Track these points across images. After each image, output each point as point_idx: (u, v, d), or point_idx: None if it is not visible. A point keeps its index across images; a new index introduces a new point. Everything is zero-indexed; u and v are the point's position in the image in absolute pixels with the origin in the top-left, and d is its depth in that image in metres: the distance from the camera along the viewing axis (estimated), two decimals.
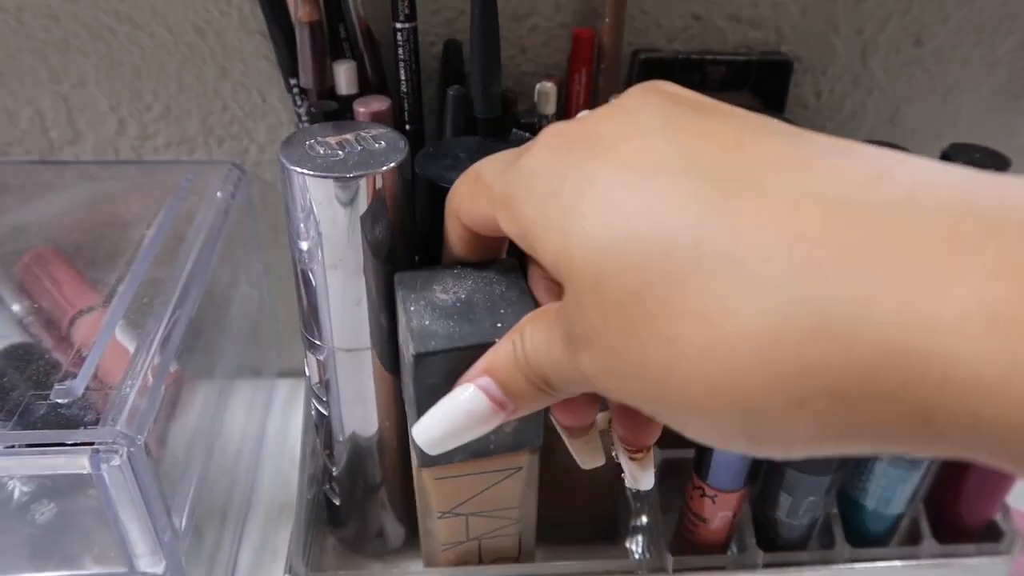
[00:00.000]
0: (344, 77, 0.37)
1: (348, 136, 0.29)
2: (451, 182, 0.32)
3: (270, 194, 0.44)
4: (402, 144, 0.29)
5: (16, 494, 0.31)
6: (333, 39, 0.37)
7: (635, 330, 0.16)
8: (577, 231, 0.17)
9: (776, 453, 0.16)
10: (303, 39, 0.36)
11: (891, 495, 0.35)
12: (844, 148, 0.16)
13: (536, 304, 0.25)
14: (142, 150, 0.42)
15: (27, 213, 0.42)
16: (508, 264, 0.27)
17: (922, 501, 0.37)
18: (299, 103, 0.39)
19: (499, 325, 0.24)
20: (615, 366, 0.17)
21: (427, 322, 0.25)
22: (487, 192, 0.22)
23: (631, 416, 0.23)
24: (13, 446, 0.28)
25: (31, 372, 0.30)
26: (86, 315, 0.38)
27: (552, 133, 0.19)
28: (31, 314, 0.39)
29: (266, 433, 0.47)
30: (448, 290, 0.26)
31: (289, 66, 0.38)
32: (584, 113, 0.20)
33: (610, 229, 0.16)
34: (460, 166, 0.33)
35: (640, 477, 0.24)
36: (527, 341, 0.20)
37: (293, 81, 0.38)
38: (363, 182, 0.28)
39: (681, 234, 0.15)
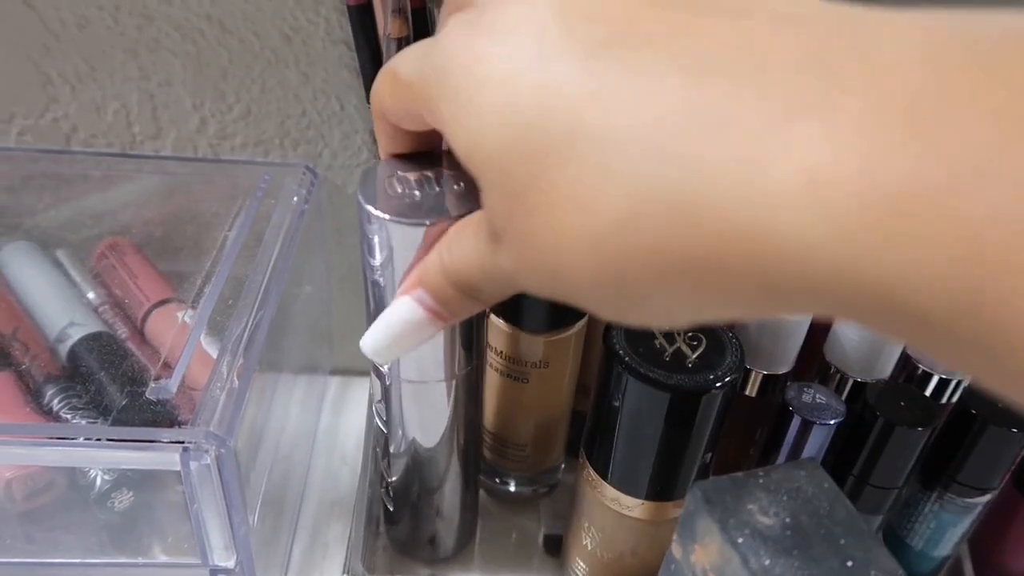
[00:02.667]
0: None
1: (430, 173, 0.27)
2: None
3: (338, 197, 0.45)
4: None
5: (98, 482, 0.32)
6: None
7: (532, 219, 0.16)
8: (480, 128, 0.17)
9: (662, 324, 0.17)
10: (390, 54, 0.36)
11: (940, 538, 0.35)
12: (744, 10, 0.15)
13: (861, 517, 0.25)
14: (220, 149, 0.43)
15: (105, 203, 0.43)
16: (810, 466, 0.26)
17: (967, 542, 0.37)
18: None
19: (849, 564, 0.23)
20: (523, 257, 0.17)
21: (767, 562, 0.23)
22: (408, 90, 0.21)
23: None
24: (102, 439, 0.29)
25: (126, 368, 0.31)
26: (161, 308, 0.39)
27: (459, 24, 0.19)
28: (105, 302, 0.40)
29: (318, 429, 0.48)
30: (767, 510, 0.25)
31: (371, 77, 0.39)
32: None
33: (506, 125, 0.16)
34: None
35: None
36: (453, 252, 0.21)
37: None
38: (424, 231, 0.25)
39: (562, 121, 0.15)
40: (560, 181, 0.15)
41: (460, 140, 0.18)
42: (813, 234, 0.12)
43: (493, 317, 0.37)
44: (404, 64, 0.21)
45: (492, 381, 0.39)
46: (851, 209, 0.12)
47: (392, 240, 0.26)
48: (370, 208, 0.26)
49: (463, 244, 0.21)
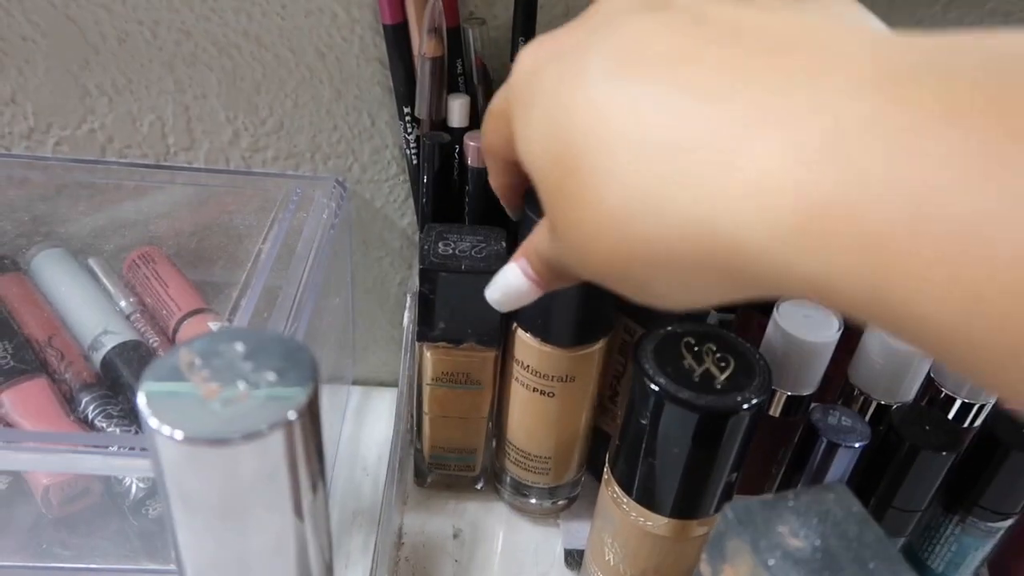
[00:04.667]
0: (457, 111, 0.39)
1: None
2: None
3: (365, 210, 0.46)
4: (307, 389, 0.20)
5: (133, 489, 0.32)
6: (450, 73, 0.39)
7: (562, 212, 0.20)
8: (530, 136, 0.21)
9: (666, 304, 0.20)
10: (424, 72, 0.37)
11: (961, 561, 0.36)
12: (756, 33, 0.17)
13: (889, 541, 0.26)
14: (251, 161, 0.43)
15: (137, 213, 0.44)
16: (839, 489, 0.27)
17: (987, 565, 0.37)
18: (409, 130, 0.40)
19: None
20: (564, 242, 0.21)
21: None
22: (495, 116, 0.25)
23: None
24: (136, 448, 0.29)
25: None
26: (193, 318, 0.40)
27: (533, 45, 0.22)
28: (136, 311, 0.41)
29: (340, 439, 0.49)
30: (797, 532, 0.25)
31: (404, 95, 0.39)
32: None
33: (546, 135, 0.20)
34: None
35: None
36: (536, 233, 0.25)
37: (406, 109, 0.40)
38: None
39: (583, 132, 0.18)
40: (574, 183, 0.19)
41: (520, 146, 0.21)
42: (756, 234, 0.15)
43: (520, 332, 0.38)
44: (497, 95, 0.25)
45: (518, 395, 0.40)
46: (785, 216, 0.14)
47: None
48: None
49: (541, 229, 0.25)
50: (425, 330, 0.39)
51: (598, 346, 0.38)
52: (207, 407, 0.21)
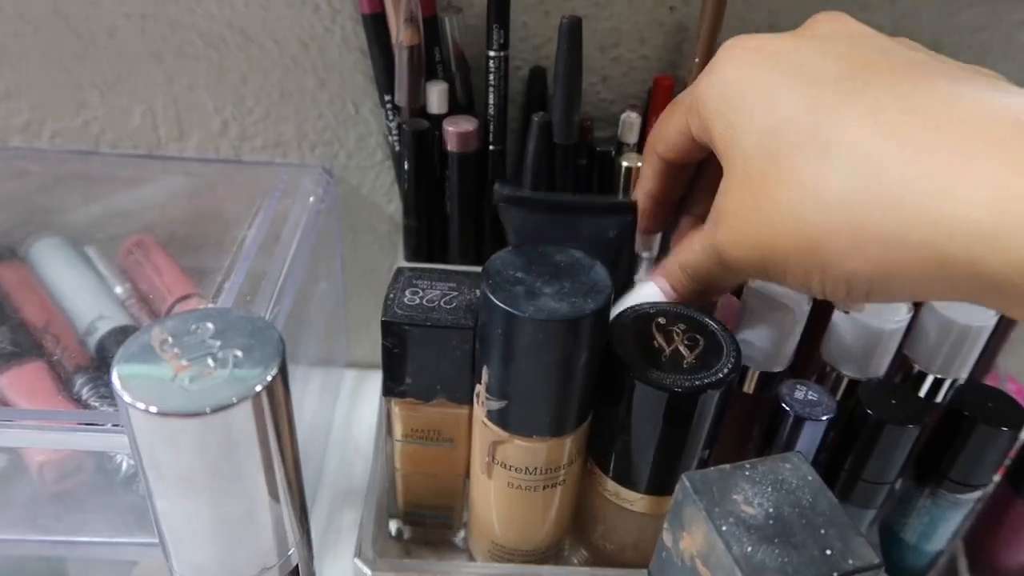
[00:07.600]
0: (436, 97, 0.39)
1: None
2: (523, 311, 0.29)
3: (352, 197, 0.47)
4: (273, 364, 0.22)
5: (124, 466, 0.34)
6: (428, 60, 0.39)
7: (757, 198, 0.23)
8: (738, 124, 0.24)
9: (840, 292, 0.23)
10: (402, 61, 0.38)
11: (932, 532, 0.36)
12: (967, 81, 0.22)
13: (842, 509, 0.27)
14: (240, 150, 0.44)
15: (131, 203, 0.45)
16: (796, 459, 0.28)
17: (962, 539, 0.38)
18: (391, 117, 0.41)
19: (828, 552, 0.25)
20: (738, 232, 0.25)
21: (749, 549, 0.25)
22: (681, 106, 0.29)
23: None
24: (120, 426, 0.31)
25: None
26: (183, 302, 0.41)
27: (740, 47, 0.26)
28: (131, 297, 0.42)
29: (334, 420, 0.50)
30: (751, 501, 0.26)
31: (385, 83, 0.40)
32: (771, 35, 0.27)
33: (757, 127, 0.24)
34: (532, 293, 0.30)
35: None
36: (683, 247, 0.30)
37: (387, 97, 0.40)
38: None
39: (802, 128, 0.22)
40: (789, 169, 0.22)
41: (719, 135, 0.26)
42: (988, 226, 0.18)
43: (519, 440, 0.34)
44: (687, 93, 0.28)
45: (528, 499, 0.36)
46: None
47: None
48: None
49: (691, 240, 0.29)
50: (391, 385, 0.36)
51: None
52: (177, 383, 0.22)
